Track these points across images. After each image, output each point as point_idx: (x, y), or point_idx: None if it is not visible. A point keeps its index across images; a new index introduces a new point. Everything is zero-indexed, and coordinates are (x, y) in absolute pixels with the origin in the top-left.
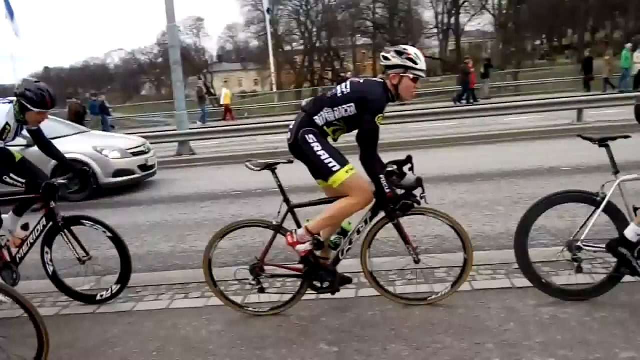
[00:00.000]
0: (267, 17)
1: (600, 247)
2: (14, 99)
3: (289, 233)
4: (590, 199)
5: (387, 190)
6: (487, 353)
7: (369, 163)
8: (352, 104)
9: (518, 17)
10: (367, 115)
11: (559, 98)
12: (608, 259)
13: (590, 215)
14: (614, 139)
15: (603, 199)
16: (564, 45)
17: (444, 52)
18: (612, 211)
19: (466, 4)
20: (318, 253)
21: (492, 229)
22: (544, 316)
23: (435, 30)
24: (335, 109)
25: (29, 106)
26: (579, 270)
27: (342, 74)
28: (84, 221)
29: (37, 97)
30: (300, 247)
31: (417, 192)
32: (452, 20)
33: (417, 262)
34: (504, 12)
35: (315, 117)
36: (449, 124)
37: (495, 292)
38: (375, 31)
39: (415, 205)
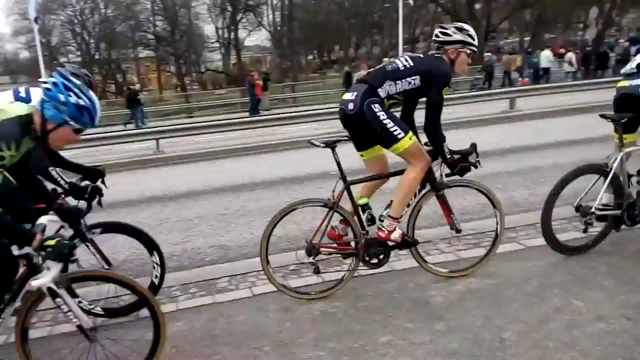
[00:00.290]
0: (36, 26)
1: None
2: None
3: (378, 230)
4: (603, 171)
5: (448, 156)
6: (264, 356)
7: (433, 131)
8: (417, 77)
9: (291, 33)
10: (435, 88)
11: (329, 108)
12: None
13: (595, 183)
14: (623, 118)
15: (611, 169)
16: (332, 60)
17: (227, 66)
18: (615, 180)
19: (244, 19)
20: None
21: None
22: (315, 312)
23: (217, 44)
24: (398, 82)
25: None
26: (585, 230)
27: (132, 87)
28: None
29: (86, 82)
30: (394, 236)
31: (472, 157)
32: (232, 35)
33: (458, 231)
34: (278, 28)
35: (379, 89)
36: (233, 135)
37: (273, 295)
38: (157, 44)
39: (472, 168)
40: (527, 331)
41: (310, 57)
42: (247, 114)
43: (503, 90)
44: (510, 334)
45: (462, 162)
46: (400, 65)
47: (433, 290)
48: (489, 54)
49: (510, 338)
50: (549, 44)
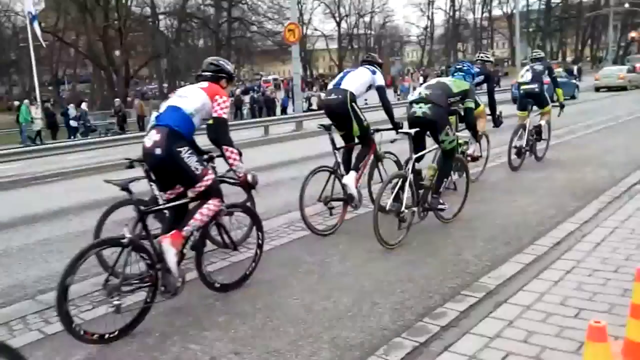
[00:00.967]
0: None
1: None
2: None
3: (471, 146)
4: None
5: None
6: None
7: (494, 104)
8: (482, 76)
9: None
10: (491, 82)
11: None
12: None
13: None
14: (525, 105)
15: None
16: None
17: None
18: (529, 133)
19: None
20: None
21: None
22: None
23: None
24: (477, 78)
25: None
26: (519, 157)
27: None
28: None
29: None
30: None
31: (501, 116)
32: None
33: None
34: None
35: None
36: None
37: None
38: None
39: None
40: None
41: None
42: None
43: (141, 133)
44: None
45: (500, 119)
46: (474, 71)
47: None
48: (117, 100)
49: None
50: None
